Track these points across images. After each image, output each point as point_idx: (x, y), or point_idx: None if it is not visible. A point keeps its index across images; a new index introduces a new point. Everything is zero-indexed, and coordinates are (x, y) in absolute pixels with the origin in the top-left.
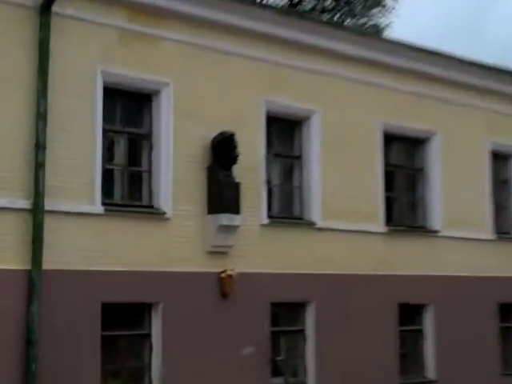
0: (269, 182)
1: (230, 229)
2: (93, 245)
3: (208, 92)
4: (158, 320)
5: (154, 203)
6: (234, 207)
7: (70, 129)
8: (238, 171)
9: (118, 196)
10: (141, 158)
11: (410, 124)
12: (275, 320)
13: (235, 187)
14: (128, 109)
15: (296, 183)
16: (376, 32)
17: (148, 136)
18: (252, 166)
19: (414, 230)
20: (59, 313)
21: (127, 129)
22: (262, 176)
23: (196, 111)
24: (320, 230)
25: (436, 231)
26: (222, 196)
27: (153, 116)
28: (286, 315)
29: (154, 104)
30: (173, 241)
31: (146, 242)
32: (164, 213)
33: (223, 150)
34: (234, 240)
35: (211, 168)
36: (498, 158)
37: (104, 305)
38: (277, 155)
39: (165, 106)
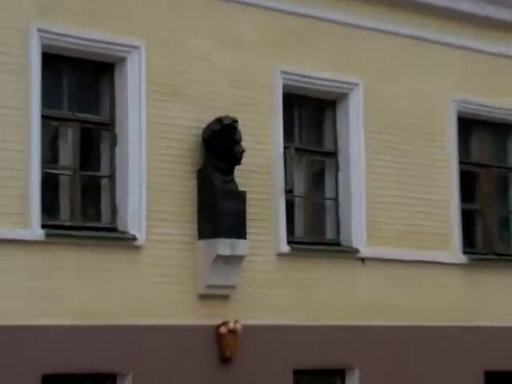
0: (289, 191)
1: (232, 261)
2: (25, 286)
3: (197, 57)
4: None
5: (119, 224)
6: (237, 229)
7: None
8: (244, 176)
9: (65, 214)
10: (99, 157)
11: (501, 102)
12: None
13: (239, 199)
14: (80, 85)
15: (329, 193)
16: None
17: (109, 125)
18: (264, 168)
19: (508, 260)
20: None
21: (79, 115)
22: (279, 182)
23: (180, 87)
24: (364, 260)
25: None
26: (219, 212)
27: (116, 95)
28: None
29: (117, 77)
30: (147, 280)
31: (107, 281)
32: (133, 238)
33: (221, 144)
34: (238, 277)
35: (204, 171)
36: None
37: None
38: (301, 151)
39: (133, 80)
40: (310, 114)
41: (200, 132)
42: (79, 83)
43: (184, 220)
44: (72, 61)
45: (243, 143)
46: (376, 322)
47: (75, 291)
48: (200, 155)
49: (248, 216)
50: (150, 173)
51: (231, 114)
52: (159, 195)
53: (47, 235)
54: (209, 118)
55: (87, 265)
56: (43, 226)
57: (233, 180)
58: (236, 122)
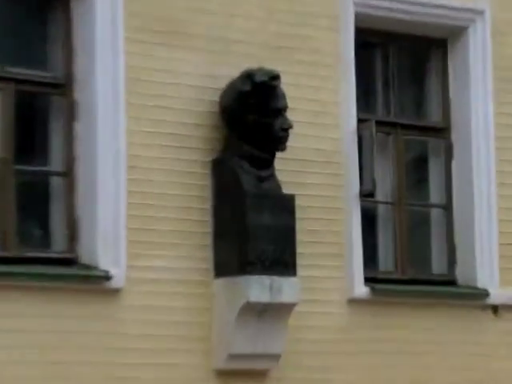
0: (368, 194)
1: (272, 313)
2: None
3: None
4: None
5: (81, 252)
6: (281, 259)
7: None
8: (291, 169)
9: None
10: (46, 140)
11: None
12: None
13: (284, 209)
14: (18, 21)
15: (435, 196)
16: None
17: (63, 86)
18: (325, 156)
19: None
20: None
21: (13, 69)
22: (351, 180)
23: (171, 20)
24: (498, 310)
25: None
26: (251, 231)
27: (72, 37)
28: None
29: (74, 10)
30: (128, 347)
31: (58, 349)
32: (105, 276)
33: (252, 116)
34: (284, 341)
35: (224, 162)
36: None
37: None
38: (387, 127)
39: (103, 10)
40: (403, 65)
41: (217, 97)
42: (18, 19)
43: (190, 245)
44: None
45: (289, 115)
46: None
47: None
48: (217, 136)
49: (299, 237)
50: (132, 166)
51: (267, 66)
52: (148, 204)
53: None
54: (231, 72)
55: (19, 323)
56: None
57: (273, 177)
58: (276, 78)
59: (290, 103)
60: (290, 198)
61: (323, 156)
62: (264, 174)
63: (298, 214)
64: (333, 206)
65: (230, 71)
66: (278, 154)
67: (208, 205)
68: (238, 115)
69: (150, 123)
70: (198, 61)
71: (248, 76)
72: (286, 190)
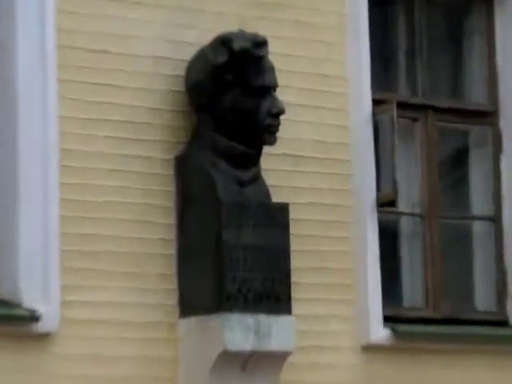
0: (388, 202)
1: (259, 365)
2: None
3: None
4: None
5: (0, 285)
6: (271, 291)
7: None
8: (284, 169)
9: None
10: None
11: None
12: None
13: (275, 223)
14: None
15: (478, 206)
16: None
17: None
18: (329, 152)
19: None
20: None
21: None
22: (366, 184)
23: None
24: None
25: None
26: (228, 253)
27: None
28: None
29: None
30: None
31: None
32: (33, 316)
33: (231, 97)
34: None
35: (190, 159)
36: None
37: None
38: (413, 112)
39: None
40: (433, 27)
41: (180, 71)
42: None
43: (147, 273)
44: None
45: (280, 95)
46: None
47: None
48: (182, 124)
49: (294, 261)
50: (66, 166)
51: (251, 29)
52: (89, 218)
53: None
54: (199, 36)
55: None
56: None
57: (258, 179)
58: (262, 44)
59: (280, 80)
60: (282, 209)
61: (326, 151)
62: (246, 175)
63: (293, 229)
64: (340, 219)
65: (199, 36)
66: (266, 149)
67: (171, 218)
68: (210, 96)
69: (89, 107)
70: (157, 22)
71: (223, 42)
72: (276, 198)
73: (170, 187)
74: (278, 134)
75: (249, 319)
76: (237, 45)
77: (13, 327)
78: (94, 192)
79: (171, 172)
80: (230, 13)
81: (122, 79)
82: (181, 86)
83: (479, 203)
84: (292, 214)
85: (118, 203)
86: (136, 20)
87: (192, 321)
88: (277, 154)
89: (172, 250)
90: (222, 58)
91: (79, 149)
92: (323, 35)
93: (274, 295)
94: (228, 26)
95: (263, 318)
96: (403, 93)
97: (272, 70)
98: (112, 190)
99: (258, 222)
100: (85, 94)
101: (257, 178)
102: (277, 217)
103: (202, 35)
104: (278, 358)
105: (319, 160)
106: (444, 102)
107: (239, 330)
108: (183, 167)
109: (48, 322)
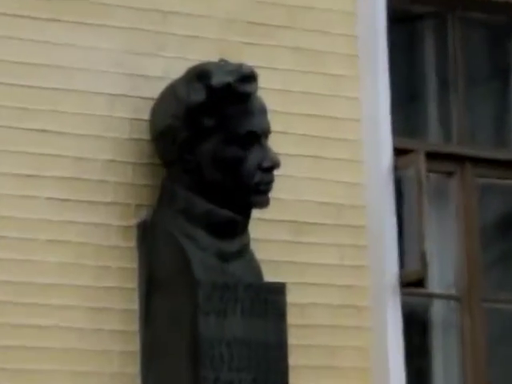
0: (416, 281)
1: None
2: None
3: None
4: None
5: None
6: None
7: None
8: (277, 237)
9: None
10: None
11: None
12: None
13: (268, 308)
14: None
15: None
16: None
17: None
18: (338, 214)
19: None
20: None
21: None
22: (386, 255)
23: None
24: None
25: None
26: (206, 350)
27: None
28: None
29: None
30: None
31: None
32: None
33: (210, 145)
34: None
35: (157, 227)
36: None
37: None
38: (447, 161)
39: None
40: (473, 50)
41: (143, 113)
42: None
43: (100, 375)
44: None
45: (273, 143)
46: None
47: None
48: (146, 181)
49: (294, 360)
50: None
51: (236, 59)
52: (18, 303)
53: None
54: (166, 66)
55: None
56: None
57: (245, 253)
58: (250, 78)
59: (274, 124)
60: (278, 290)
61: (334, 215)
62: (231, 248)
63: (292, 318)
64: (352, 304)
65: (167, 67)
66: (256, 213)
67: (133, 303)
68: (183, 145)
69: (25, 160)
70: (112, 49)
71: (199, 76)
72: (270, 277)
73: (131, 263)
74: (272, 194)
75: None
76: (217, 79)
77: None
78: (26, 268)
79: (132, 244)
80: (208, 37)
81: (66, 123)
82: (144, 133)
83: None
84: (290, 298)
85: (64, 286)
86: (83, 47)
87: None
88: (270, 220)
89: (135, 345)
90: (197, 96)
91: (13, 215)
92: (330, 65)
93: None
94: (205, 55)
95: None
96: (433, 139)
97: (263, 111)
98: (56, 268)
99: (247, 309)
100: (17, 143)
101: (244, 251)
102: (271, 301)
103: (170, 66)
104: None
105: (326, 227)
106: (486, 152)
107: None
108: (148, 237)
109: None
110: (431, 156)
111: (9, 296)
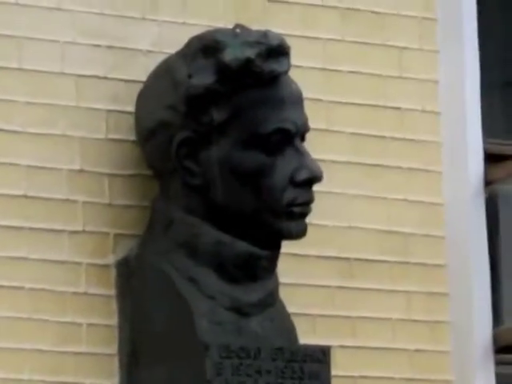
0: None
1: None
2: None
3: None
4: None
5: None
6: None
7: None
8: (317, 281)
9: None
10: None
11: None
12: None
13: (308, 379)
14: None
15: None
16: None
17: None
18: (405, 248)
19: None
20: None
21: None
22: (476, 307)
23: None
24: None
25: None
26: None
27: None
28: None
29: None
30: None
31: None
32: None
33: (220, 151)
34: None
35: (144, 266)
36: None
37: None
38: None
39: None
40: None
41: (125, 104)
42: None
43: None
44: None
45: (315, 148)
46: None
47: None
48: (130, 202)
49: None
50: None
51: (259, 25)
52: None
53: None
54: (164, 39)
55: None
56: None
57: (273, 303)
58: (281, 52)
59: (315, 117)
60: (320, 358)
61: (398, 249)
62: (250, 296)
63: None
64: (424, 376)
65: (158, 35)
66: (287, 247)
67: (111, 377)
68: (183, 150)
69: None
70: (78, 5)
71: (207, 50)
72: (306, 337)
73: (109, 319)
74: (310, 220)
75: None
76: (231, 54)
77: None
78: None
79: (110, 291)
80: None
81: (15, 118)
82: (126, 132)
83: None
84: (336, 367)
85: (13, 352)
86: (39, 7)
87: None
88: (308, 257)
89: None
90: (203, 78)
91: None
92: (395, 35)
93: None
94: (215, 19)
95: None
96: None
97: (298, 100)
98: (2, 325)
99: (276, 383)
100: None
101: (270, 302)
102: (308, 372)
103: (163, 35)
104: None
105: (387, 267)
106: None
107: None
108: (132, 281)
109: None
110: None
111: None
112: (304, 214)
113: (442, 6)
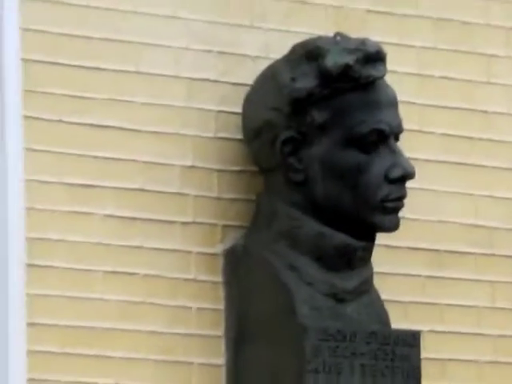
0: None
1: None
2: None
3: None
4: None
5: None
6: None
7: None
8: (409, 270)
9: None
10: None
11: None
12: None
13: (399, 364)
14: None
15: None
16: None
17: None
18: (494, 241)
19: None
20: None
21: None
22: None
23: None
24: None
25: None
26: None
27: None
28: None
29: None
30: None
31: None
32: None
33: (320, 149)
34: None
35: (250, 256)
36: None
37: None
38: None
39: None
40: None
41: (233, 105)
42: None
43: None
44: None
45: (410, 148)
46: None
47: None
48: (236, 196)
49: None
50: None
51: (358, 33)
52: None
53: None
54: (270, 47)
55: None
56: None
57: (368, 291)
58: (378, 58)
59: (407, 118)
60: (411, 341)
61: (485, 242)
62: (347, 283)
63: (428, 378)
64: (507, 359)
65: (265, 42)
66: (381, 239)
67: (218, 357)
68: (286, 148)
69: (65, 160)
70: (191, 13)
71: (309, 55)
72: (398, 322)
73: (216, 303)
74: (403, 214)
75: None
76: (332, 59)
77: None
78: (87, 312)
79: (217, 277)
80: (320, 3)
81: (131, 118)
82: (234, 131)
83: None
84: (426, 351)
85: (127, 333)
86: (156, 16)
87: None
88: (401, 248)
89: None
90: (306, 82)
91: (62, 238)
92: (483, 42)
93: None
94: (317, 27)
95: None
96: None
97: (393, 103)
98: (117, 309)
99: (368, 365)
100: (67, 143)
101: (365, 289)
102: (400, 355)
103: (269, 42)
104: None
105: (475, 258)
106: None
107: None
108: (239, 269)
109: None
110: None
111: (56, 345)
112: (397, 209)
113: None
